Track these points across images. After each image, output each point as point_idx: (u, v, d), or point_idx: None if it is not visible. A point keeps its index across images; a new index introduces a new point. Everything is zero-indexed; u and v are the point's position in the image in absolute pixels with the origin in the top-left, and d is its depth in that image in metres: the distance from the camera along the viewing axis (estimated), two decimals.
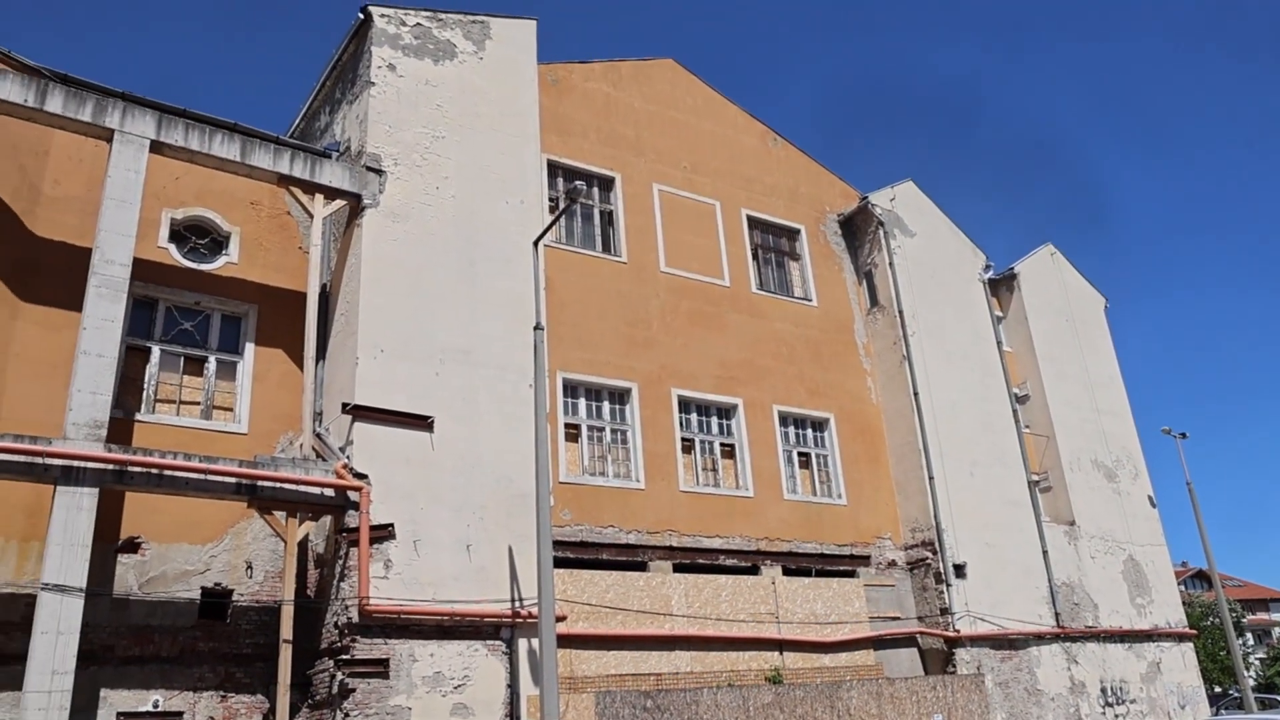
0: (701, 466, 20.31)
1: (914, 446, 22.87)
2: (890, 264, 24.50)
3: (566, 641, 16.22)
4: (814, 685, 17.67)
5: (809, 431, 22.39)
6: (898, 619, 21.49)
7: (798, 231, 24.47)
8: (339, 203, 17.21)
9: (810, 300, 23.78)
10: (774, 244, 24.12)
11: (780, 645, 19.15)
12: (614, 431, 19.27)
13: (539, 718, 14.18)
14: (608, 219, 21.22)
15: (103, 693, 14.23)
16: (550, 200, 20.02)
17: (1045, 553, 23.90)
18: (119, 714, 14.29)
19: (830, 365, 23.26)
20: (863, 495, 22.37)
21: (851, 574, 21.28)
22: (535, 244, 16.38)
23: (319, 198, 17.02)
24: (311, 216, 16.96)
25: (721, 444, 20.80)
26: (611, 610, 17.37)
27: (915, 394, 23.19)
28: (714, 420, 20.90)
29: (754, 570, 19.78)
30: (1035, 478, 25.21)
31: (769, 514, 20.47)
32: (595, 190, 21.22)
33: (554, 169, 20.63)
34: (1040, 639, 22.89)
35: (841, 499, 21.98)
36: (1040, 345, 27.43)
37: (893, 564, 22.15)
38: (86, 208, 15.88)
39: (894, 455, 23.30)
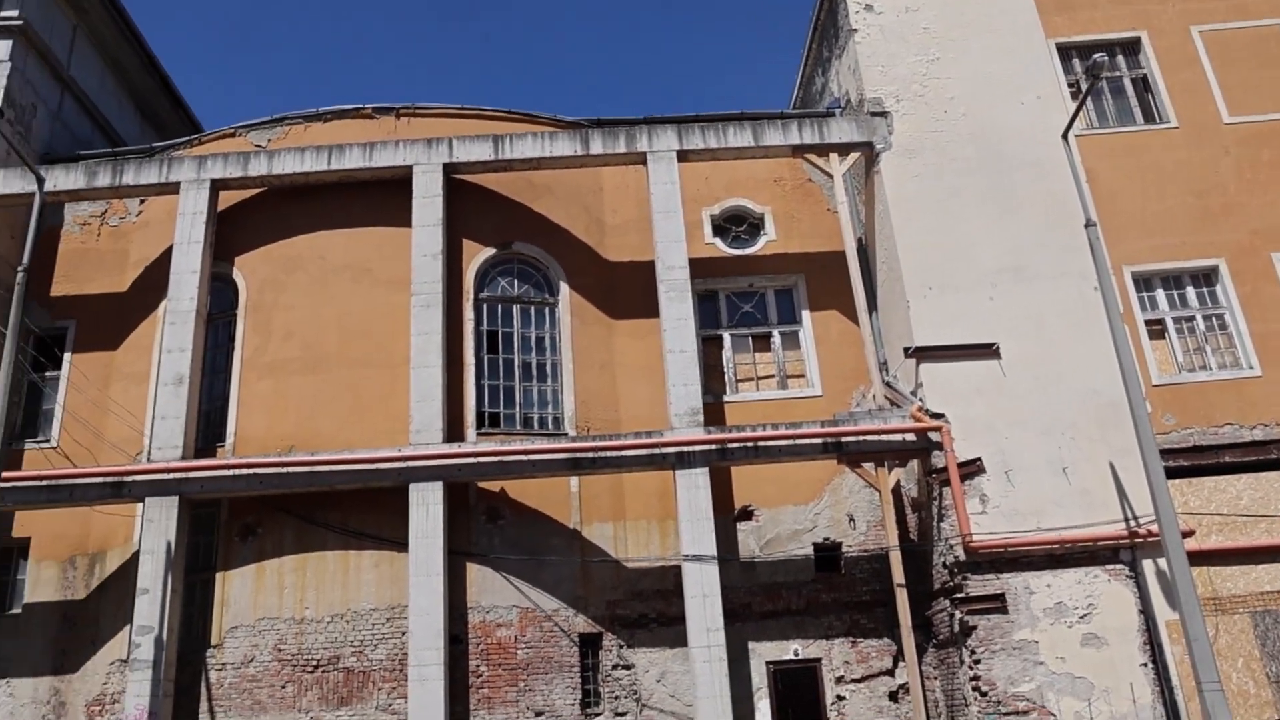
0: None
1: None
2: None
3: (1200, 558, 14.60)
4: None
5: None
6: None
7: None
8: (853, 156, 17.42)
9: None
10: None
11: None
12: (1206, 318, 16.96)
13: (1183, 644, 12.99)
14: (1142, 85, 18.76)
15: (750, 645, 15.89)
16: (1070, 86, 18.25)
17: None
18: (767, 663, 15.84)
19: None
20: None
21: None
22: (1064, 137, 15.08)
23: (833, 157, 17.37)
24: (831, 177, 17.40)
25: None
26: (1250, 519, 15.33)
27: None
28: None
29: None
30: None
31: None
32: (1119, 58, 18.87)
33: (1065, 52, 18.71)
34: None
35: None
36: None
37: None
38: (641, 226, 17.89)
39: None
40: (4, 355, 13.27)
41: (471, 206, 17.63)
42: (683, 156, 17.30)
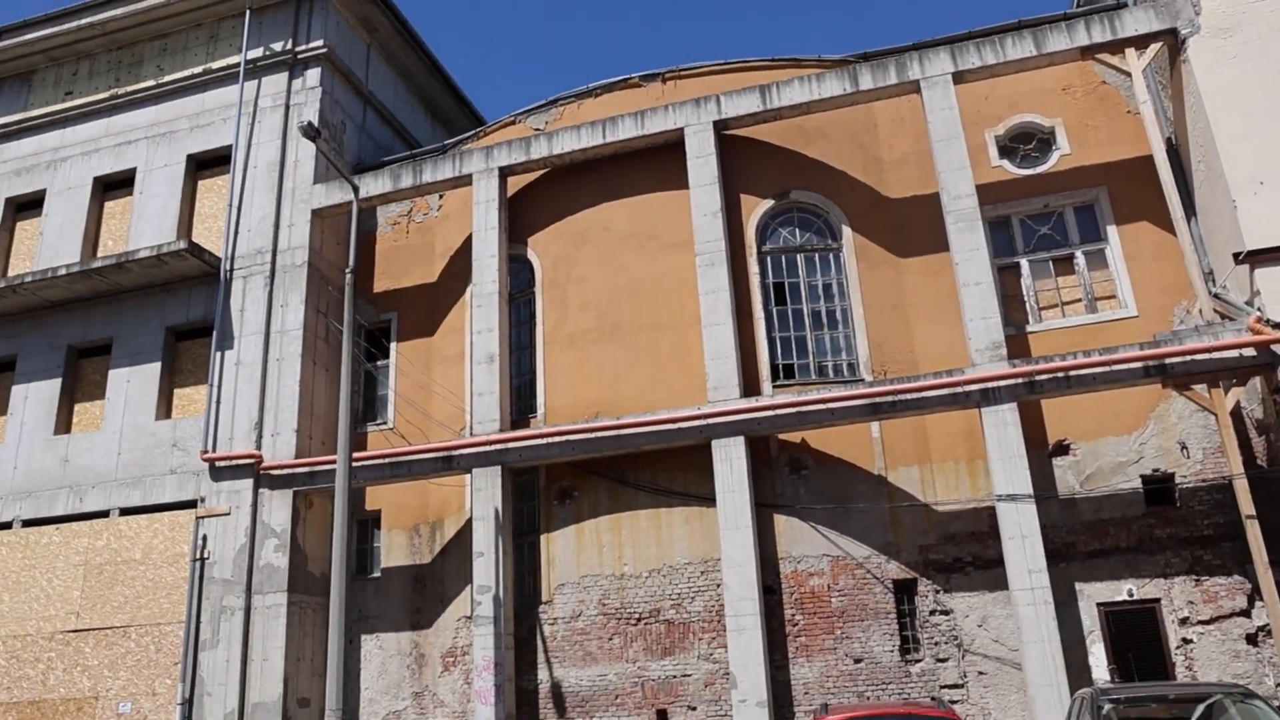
0: None
1: None
2: None
3: None
4: None
5: None
6: None
7: None
8: (1153, 47, 15.79)
9: None
10: None
11: None
12: None
13: None
14: None
15: (1077, 586, 15.00)
16: None
17: None
18: (1098, 604, 14.89)
19: None
20: None
21: None
22: None
23: (1130, 52, 15.85)
24: (1129, 74, 15.87)
25: None
26: None
27: None
28: None
29: None
30: None
31: None
32: None
33: None
34: None
35: None
36: None
37: None
38: (921, 158, 17.14)
39: None
40: (343, 349, 14.82)
41: (745, 160, 17.63)
42: (959, 78, 16.42)
